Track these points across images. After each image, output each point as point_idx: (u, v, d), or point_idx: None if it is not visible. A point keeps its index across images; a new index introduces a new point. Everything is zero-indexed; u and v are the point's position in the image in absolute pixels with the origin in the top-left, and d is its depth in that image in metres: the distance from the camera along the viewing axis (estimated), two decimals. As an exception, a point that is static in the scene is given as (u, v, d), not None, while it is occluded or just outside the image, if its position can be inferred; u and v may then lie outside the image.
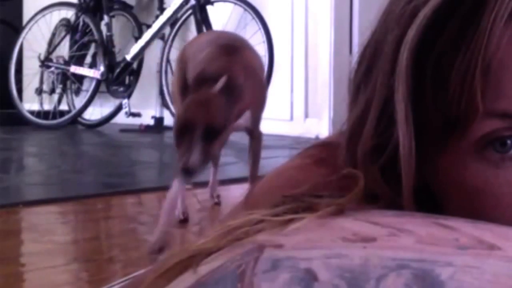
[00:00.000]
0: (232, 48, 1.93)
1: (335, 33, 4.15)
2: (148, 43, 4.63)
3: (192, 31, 4.38)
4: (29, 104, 5.11)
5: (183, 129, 1.54)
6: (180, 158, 1.52)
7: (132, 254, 1.91)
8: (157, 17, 4.55)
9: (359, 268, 0.33)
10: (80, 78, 5.11)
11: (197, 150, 1.52)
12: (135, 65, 4.78)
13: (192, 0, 4.20)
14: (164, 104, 4.51)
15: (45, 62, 5.07)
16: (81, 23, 4.98)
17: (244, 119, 1.83)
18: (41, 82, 5.24)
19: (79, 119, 4.99)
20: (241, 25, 4.34)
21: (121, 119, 4.83)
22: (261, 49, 4.01)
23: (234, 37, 2.32)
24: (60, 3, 5.04)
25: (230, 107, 1.65)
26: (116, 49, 4.90)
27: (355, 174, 0.44)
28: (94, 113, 4.98)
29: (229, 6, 4.20)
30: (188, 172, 1.56)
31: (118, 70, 4.78)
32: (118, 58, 4.85)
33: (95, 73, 4.82)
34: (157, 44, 4.66)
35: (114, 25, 4.95)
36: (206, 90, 1.62)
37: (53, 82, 5.17)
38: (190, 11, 4.28)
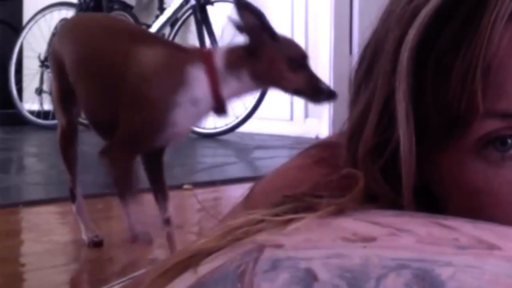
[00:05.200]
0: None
1: (335, 33, 4.15)
2: (148, 43, 4.62)
3: (192, 31, 4.38)
4: (29, 104, 5.10)
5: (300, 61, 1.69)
6: (313, 84, 1.67)
7: (132, 254, 1.91)
8: (157, 17, 4.55)
9: (359, 268, 0.33)
10: (80, 78, 5.10)
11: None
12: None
13: (192, 0, 4.20)
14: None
15: (45, 62, 5.05)
16: (81, 23, 4.97)
17: None
18: (41, 82, 5.22)
19: (80, 119, 4.98)
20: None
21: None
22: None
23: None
24: (60, 3, 5.03)
25: None
26: (116, 49, 4.89)
27: (355, 174, 0.44)
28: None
29: (229, 6, 4.19)
30: (333, 94, 1.68)
31: (118, 70, 4.77)
32: (119, 58, 4.83)
33: (95, 73, 4.81)
34: (157, 44, 4.65)
35: (114, 25, 4.94)
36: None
37: (53, 82, 5.16)
38: (190, 11, 4.27)
